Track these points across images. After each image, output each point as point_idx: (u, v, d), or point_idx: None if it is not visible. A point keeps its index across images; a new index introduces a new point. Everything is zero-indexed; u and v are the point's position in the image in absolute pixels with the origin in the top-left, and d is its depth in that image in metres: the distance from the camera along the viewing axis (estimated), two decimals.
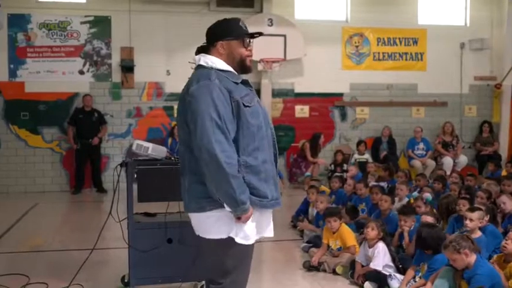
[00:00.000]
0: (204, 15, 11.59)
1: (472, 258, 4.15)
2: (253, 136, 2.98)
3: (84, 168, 11.17)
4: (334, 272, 5.50)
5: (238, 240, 2.99)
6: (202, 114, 2.86)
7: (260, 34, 3.25)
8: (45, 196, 10.81)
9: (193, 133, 2.90)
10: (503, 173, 10.37)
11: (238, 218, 2.95)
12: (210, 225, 3.01)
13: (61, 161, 11.37)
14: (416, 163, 11.99)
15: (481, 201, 6.57)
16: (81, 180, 11.16)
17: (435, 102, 12.80)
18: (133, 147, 4.60)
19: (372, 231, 5.10)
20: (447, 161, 12.02)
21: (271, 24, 11.58)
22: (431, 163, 12.02)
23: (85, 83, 11.37)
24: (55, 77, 11.22)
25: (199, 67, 3.10)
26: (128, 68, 11.35)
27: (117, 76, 11.46)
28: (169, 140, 11.18)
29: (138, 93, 11.58)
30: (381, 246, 5.06)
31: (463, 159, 12.27)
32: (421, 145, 12.23)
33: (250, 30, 12.21)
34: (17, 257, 6.38)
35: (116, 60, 11.41)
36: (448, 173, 10.75)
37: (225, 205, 2.91)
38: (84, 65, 11.36)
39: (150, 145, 4.63)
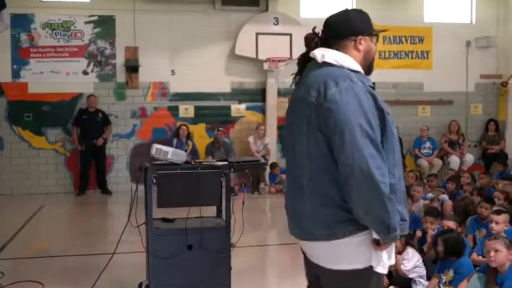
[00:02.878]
0: (209, 14, 11.50)
1: (510, 261, 4.07)
2: (393, 149, 2.51)
3: (89, 170, 11.04)
4: None
5: (378, 269, 2.52)
6: (350, 125, 2.35)
7: (385, 30, 2.86)
8: (49, 198, 10.67)
9: (339, 147, 2.38)
10: None
11: (378, 245, 2.47)
12: (344, 253, 2.49)
13: (65, 162, 11.23)
14: (423, 162, 11.91)
15: (498, 202, 6.51)
16: (86, 181, 11.03)
17: (441, 101, 12.71)
18: (153, 152, 4.48)
19: (396, 246, 5.02)
20: (454, 159, 11.95)
21: (277, 23, 11.47)
22: (438, 162, 11.94)
23: (89, 83, 11.23)
24: (59, 77, 11.08)
25: (324, 64, 2.55)
26: (132, 68, 11.22)
27: (121, 76, 11.32)
28: (175, 141, 11.06)
29: (142, 93, 11.45)
30: (410, 251, 4.98)
31: (469, 158, 12.19)
32: (428, 144, 12.16)
33: (256, 29, 12.07)
34: (28, 263, 6.28)
35: (120, 60, 11.28)
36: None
37: (374, 233, 2.45)
38: (88, 65, 11.22)
39: (170, 149, 4.52)
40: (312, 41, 2.64)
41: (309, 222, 2.51)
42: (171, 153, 4.50)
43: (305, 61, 2.67)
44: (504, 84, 12.69)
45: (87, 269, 5.78)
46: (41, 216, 9.07)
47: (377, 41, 2.69)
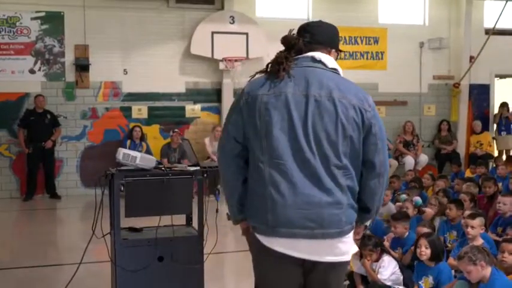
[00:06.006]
0: (163, 11, 11.16)
1: (488, 270, 3.95)
2: None
3: (36, 173, 10.48)
4: None
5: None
6: (384, 133, 2.80)
7: (342, 51, 3.03)
8: None
9: (379, 150, 2.72)
10: (467, 173, 10.39)
11: (356, 233, 2.87)
12: (352, 243, 2.78)
13: (11, 166, 10.65)
14: None
15: (465, 203, 6.46)
16: (33, 186, 10.47)
17: (395, 102, 12.76)
18: (120, 157, 4.17)
19: (371, 257, 4.84)
20: (409, 160, 12.00)
21: (233, 22, 11.23)
22: (394, 163, 11.96)
23: (36, 82, 10.68)
24: (3, 76, 10.48)
25: (334, 70, 2.78)
26: (82, 66, 10.74)
27: (71, 75, 10.82)
28: (128, 142, 10.66)
29: (93, 93, 10.98)
30: (386, 259, 4.82)
31: (423, 158, 12.28)
32: None
33: (212, 28, 11.82)
34: None
35: (69, 58, 10.77)
36: None
37: (369, 215, 2.84)
38: (35, 63, 10.67)
39: (138, 154, 4.22)
40: (297, 41, 2.76)
41: (343, 218, 2.66)
42: (140, 159, 4.20)
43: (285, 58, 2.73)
44: (456, 85, 12.86)
45: (43, 283, 5.40)
46: None
47: (336, 58, 2.88)
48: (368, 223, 2.86)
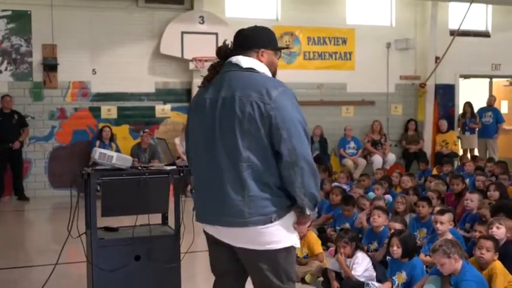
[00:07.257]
0: (132, 11, 11.11)
1: (459, 263, 4.09)
2: None
3: (4, 175, 10.31)
4: (302, 280, 5.28)
5: (297, 243, 3.07)
6: (294, 122, 2.85)
7: (288, 47, 3.26)
8: None
9: (286, 140, 2.83)
10: (434, 172, 10.61)
11: (301, 224, 3.01)
12: (278, 234, 2.92)
13: None
14: (348, 162, 12.08)
15: (433, 201, 6.61)
16: (1, 187, 10.28)
17: (363, 102, 12.93)
18: (96, 156, 4.16)
19: (345, 250, 4.93)
20: (377, 159, 12.20)
21: (203, 22, 11.24)
22: (362, 161, 12.15)
23: (3, 82, 10.50)
24: None
25: (247, 70, 2.97)
26: (50, 66, 10.60)
27: (38, 75, 10.67)
28: (97, 143, 10.56)
29: (61, 93, 10.85)
30: (360, 255, 4.90)
31: (391, 157, 12.49)
32: (352, 144, 12.34)
33: (182, 28, 11.95)
34: None
35: (37, 58, 10.62)
36: None
37: (306, 208, 2.92)
38: (2, 63, 10.50)
39: (114, 154, 4.21)
40: (224, 50, 3.12)
41: (245, 209, 2.86)
42: (116, 158, 4.19)
43: (218, 67, 3.09)
44: (422, 85, 13.12)
45: (16, 285, 5.33)
46: None
47: (279, 56, 3.18)
48: (308, 213, 2.96)
